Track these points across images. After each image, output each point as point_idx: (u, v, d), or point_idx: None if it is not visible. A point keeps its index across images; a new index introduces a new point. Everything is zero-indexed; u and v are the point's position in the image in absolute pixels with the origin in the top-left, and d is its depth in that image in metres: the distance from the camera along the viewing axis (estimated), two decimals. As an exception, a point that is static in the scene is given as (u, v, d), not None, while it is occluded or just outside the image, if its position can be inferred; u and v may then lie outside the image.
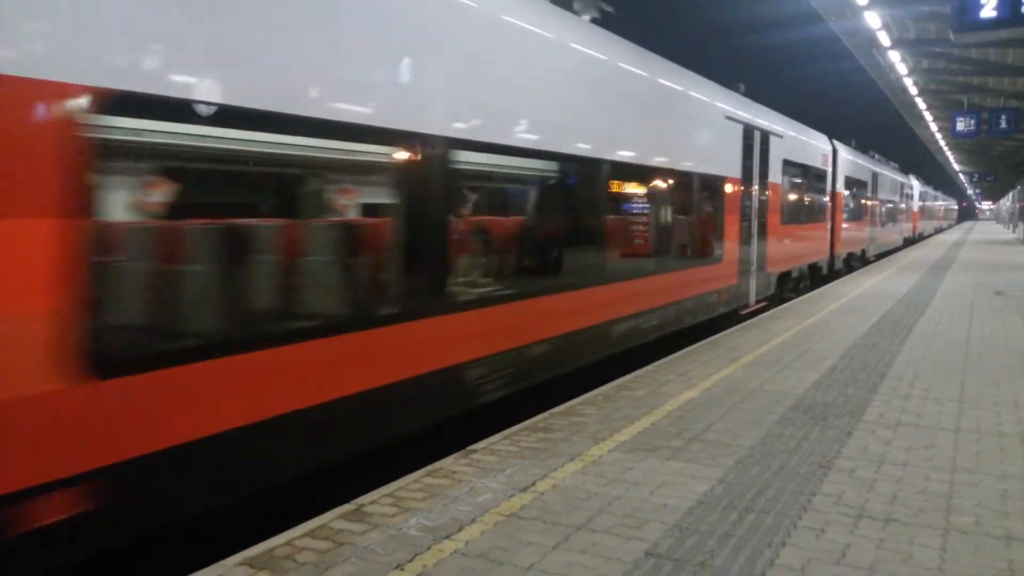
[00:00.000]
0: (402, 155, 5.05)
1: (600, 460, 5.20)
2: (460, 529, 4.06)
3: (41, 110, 3.09)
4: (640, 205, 9.17)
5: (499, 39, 6.18)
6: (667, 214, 9.58)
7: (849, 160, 21.73)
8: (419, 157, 5.12)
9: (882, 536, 3.99)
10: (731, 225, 11.67)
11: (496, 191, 7.33)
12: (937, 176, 79.28)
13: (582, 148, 7.43)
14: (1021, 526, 4.13)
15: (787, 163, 14.50)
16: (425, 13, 5.31)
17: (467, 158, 5.76)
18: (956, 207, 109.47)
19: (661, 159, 9.22)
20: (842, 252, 20.98)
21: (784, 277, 15.08)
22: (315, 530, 4.04)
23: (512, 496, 4.53)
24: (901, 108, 29.03)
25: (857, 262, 23.76)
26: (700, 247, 10.76)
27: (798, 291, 16.41)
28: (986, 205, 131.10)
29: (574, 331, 7.28)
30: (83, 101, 3.21)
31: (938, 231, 65.06)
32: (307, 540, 3.92)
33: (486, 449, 5.41)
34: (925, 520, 4.21)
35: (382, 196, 5.18)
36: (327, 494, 4.82)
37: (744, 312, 12.51)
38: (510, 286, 6.43)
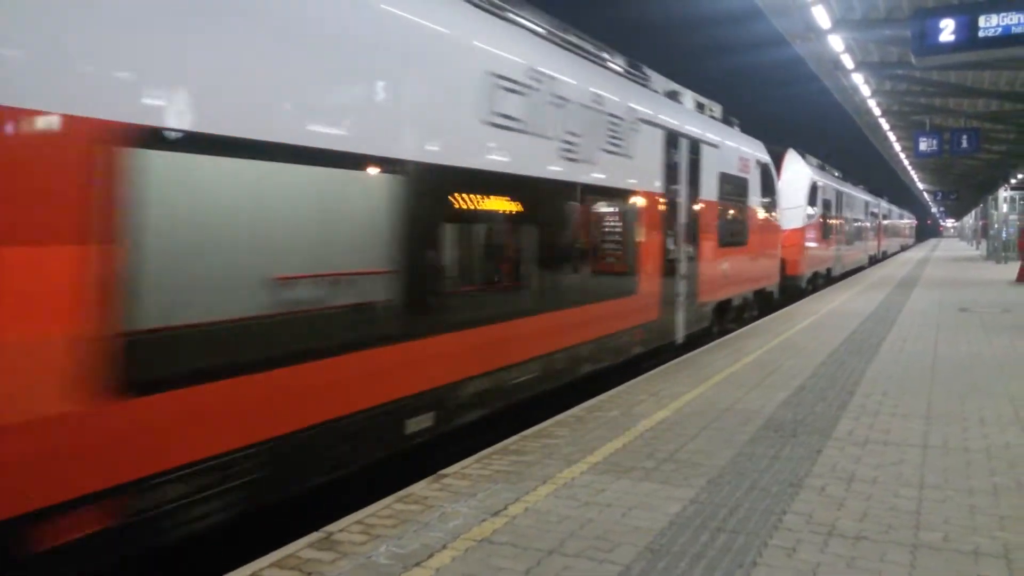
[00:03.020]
0: None
1: (572, 482, 5.17)
2: (430, 556, 4.01)
3: None
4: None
5: None
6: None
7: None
8: None
9: (853, 554, 4.01)
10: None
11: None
12: (902, 194, 79.70)
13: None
14: (989, 541, 4.17)
15: None
16: None
17: None
18: (912, 222, 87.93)
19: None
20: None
21: None
22: (283, 560, 3.96)
23: (483, 520, 4.49)
24: (866, 129, 29.63)
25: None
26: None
27: None
28: (950, 223, 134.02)
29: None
30: None
31: (877, 260, 42.41)
32: (274, 571, 3.84)
33: (457, 473, 5.36)
34: (895, 537, 4.23)
35: None
36: (295, 522, 4.74)
37: None
38: None
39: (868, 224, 37.35)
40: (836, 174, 29.34)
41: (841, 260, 28.00)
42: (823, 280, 24.61)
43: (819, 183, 23.13)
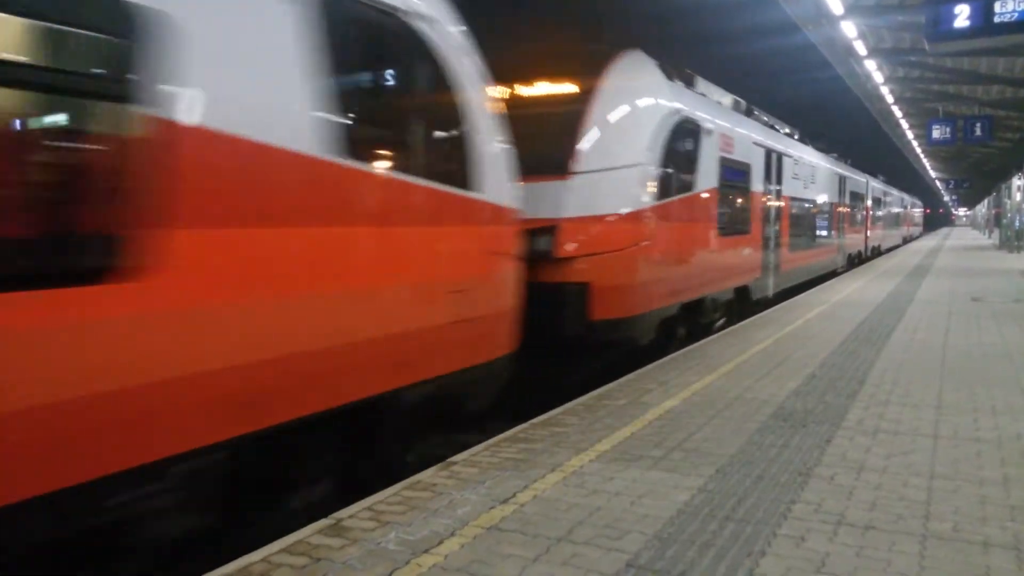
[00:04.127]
0: None
1: (581, 470, 5.18)
2: (439, 543, 4.02)
3: None
4: None
5: None
6: None
7: None
8: None
9: (862, 543, 4.00)
10: None
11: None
12: (915, 182, 78.97)
13: None
14: (999, 532, 4.16)
15: None
16: None
17: None
18: (919, 209, 73.83)
19: None
20: None
21: None
22: (292, 546, 3.99)
23: (492, 508, 4.50)
24: (879, 116, 29.41)
25: None
26: None
27: None
28: (962, 211, 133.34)
29: None
30: None
31: (864, 259, 30.75)
32: (284, 556, 3.87)
33: (466, 461, 5.37)
34: (904, 527, 4.22)
35: None
36: (305, 508, 4.77)
37: None
38: None
39: (846, 209, 25.28)
40: (786, 131, 17.89)
41: (777, 270, 15.97)
42: (722, 315, 12.61)
43: (700, 123, 11.08)
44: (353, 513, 4.42)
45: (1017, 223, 38.79)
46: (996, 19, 9.96)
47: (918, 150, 42.06)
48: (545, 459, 5.41)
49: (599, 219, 8.85)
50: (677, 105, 10.25)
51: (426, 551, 3.92)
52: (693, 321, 11.24)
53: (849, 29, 15.70)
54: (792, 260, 17.39)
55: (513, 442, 5.81)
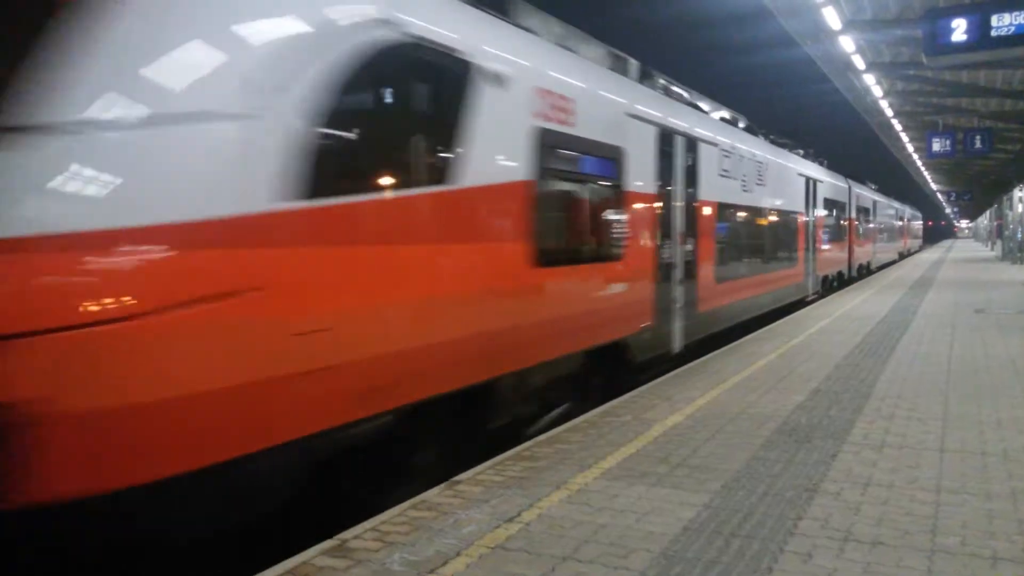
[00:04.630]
0: None
1: (586, 488, 5.16)
2: (445, 563, 4.01)
3: None
4: None
5: None
6: None
7: None
8: None
9: (869, 559, 3.98)
10: None
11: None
12: (916, 195, 78.96)
13: None
14: (1007, 546, 4.13)
15: None
16: None
17: None
18: (918, 222, 70.93)
19: None
20: None
21: None
22: (297, 567, 3.97)
23: (497, 527, 4.49)
24: (878, 129, 29.49)
25: None
26: None
27: None
28: (964, 223, 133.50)
29: None
30: None
31: (847, 280, 25.71)
32: (289, 578, 3.85)
33: (471, 480, 5.36)
34: (911, 542, 4.20)
35: None
36: (309, 529, 4.75)
37: None
38: None
39: (819, 221, 20.22)
40: (722, 115, 13.88)
41: (691, 311, 10.74)
42: (558, 398, 7.56)
43: (470, 58, 5.76)
44: (358, 534, 4.40)
45: (1019, 234, 38.76)
46: (993, 33, 10.02)
47: (919, 163, 42.09)
48: (550, 476, 5.39)
49: (87, 240, 3.63)
50: (382, 9, 5.02)
51: (432, 572, 3.90)
52: (470, 424, 6.27)
53: (847, 44, 15.78)
54: (721, 293, 12.24)
55: (518, 460, 5.79)
